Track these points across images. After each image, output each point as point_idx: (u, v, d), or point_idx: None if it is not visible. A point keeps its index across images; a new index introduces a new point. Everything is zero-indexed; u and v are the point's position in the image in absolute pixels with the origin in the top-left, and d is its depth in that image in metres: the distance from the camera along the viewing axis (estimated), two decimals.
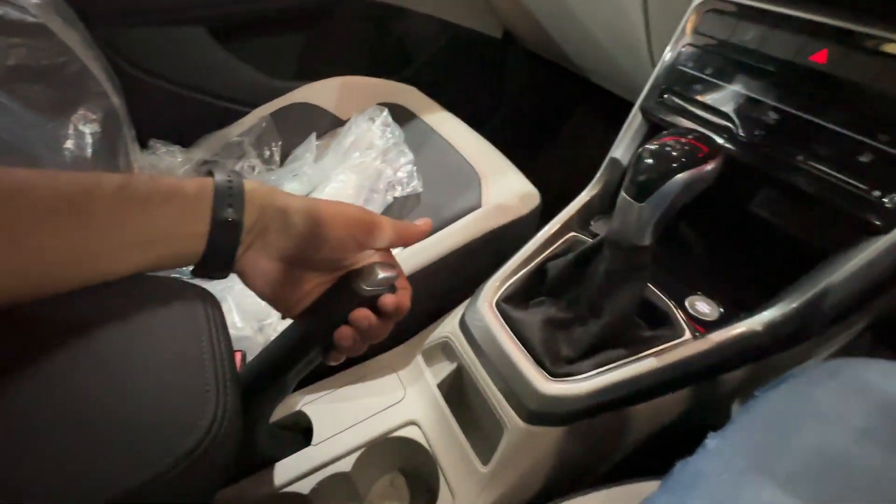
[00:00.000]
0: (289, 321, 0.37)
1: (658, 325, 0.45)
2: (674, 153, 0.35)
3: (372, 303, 0.35)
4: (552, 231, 0.52)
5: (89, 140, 0.65)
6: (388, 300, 0.35)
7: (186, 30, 0.82)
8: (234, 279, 0.53)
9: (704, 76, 0.45)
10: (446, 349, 0.50)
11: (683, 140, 0.36)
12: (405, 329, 0.54)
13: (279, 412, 0.47)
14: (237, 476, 0.41)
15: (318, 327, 0.35)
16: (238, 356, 0.46)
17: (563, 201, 0.55)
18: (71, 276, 0.23)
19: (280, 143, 0.78)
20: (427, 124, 0.78)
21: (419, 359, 0.51)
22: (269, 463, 0.42)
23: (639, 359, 0.41)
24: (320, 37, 0.96)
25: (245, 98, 0.89)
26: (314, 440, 0.44)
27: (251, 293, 0.46)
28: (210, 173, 0.29)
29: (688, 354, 0.40)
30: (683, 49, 0.47)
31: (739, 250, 0.47)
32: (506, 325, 0.45)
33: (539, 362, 0.42)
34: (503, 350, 0.43)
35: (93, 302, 0.23)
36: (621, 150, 0.53)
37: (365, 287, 0.34)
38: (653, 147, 0.36)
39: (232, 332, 0.48)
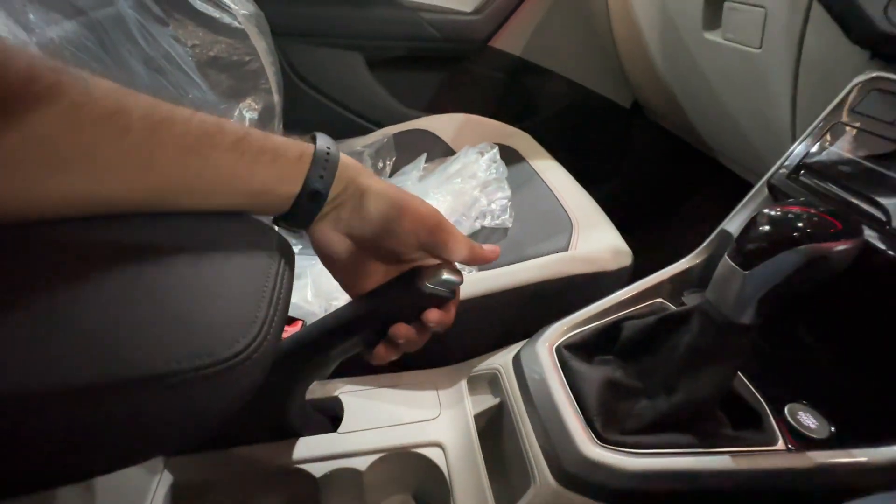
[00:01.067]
0: None
1: (744, 428, 0.37)
2: (797, 223, 0.31)
3: (429, 302, 0.35)
4: (638, 291, 0.48)
5: (247, 124, 0.77)
6: (432, 316, 0.34)
7: (348, 54, 0.96)
8: (317, 259, 0.57)
9: (857, 158, 0.40)
10: (493, 382, 0.47)
11: (812, 211, 0.31)
12: (458, 351, 0.53)
13: (318, 392, 0.48)
14: (258, 438, 0.42)
15: (369, 312, 0.35)
16: (299, 325, 0.48)
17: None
18: (182, 205, 0.26)
19: (394, 158, 0.84)
20: (533, 168, 0.79)
21: (463, 384, 0.49)
22: (292, 436, 0.42)
23: (714, 453, 0.34)
24: (455, 78, 1.05)
25: (377, 118, 0.99)
26: (340, 429, 0.44)
27: (328, 274, 0.49)
28: (313, 138, 0.31)
29: (778, 467, 0.33)
30: (835, 127, 0.42)
31: (873, 364, 0.38)
32: (561, 373, 0.41)
33: (589, 422, 0.38)
34: (552, 397, 0.40)
35: (181, 218, 0.26)
36: (736, 223, 0.48)
37: (427, 284, 0.35)
38: (772, 212, 0.32)
39: (303, 305, 0.51)
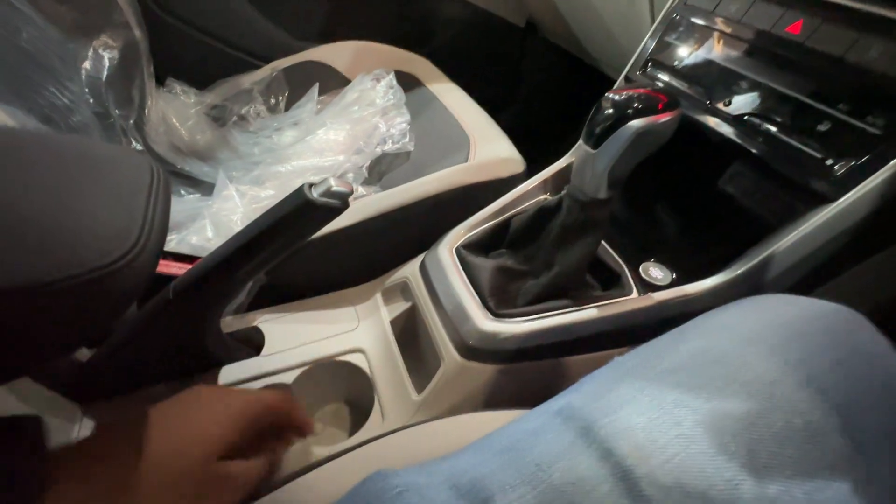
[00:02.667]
0: None
1: (610, 287, 0.45)
2: (632, 102, 0.36)
3: (323, 215, 0.37)
4: (524, 191, 0.53)
5: (106, 64, 0.69)
6: None
7: None
8: (212, 200, 0.55)
9: (687, 46, 0.45)
10: (404, 289, 0.51)
11: (641, 91, 0.36)
12: (371, 268, 0.55)
13: (236, 325, 0.49)
14: (180, 374, 0.43)
15: (265, 230, 0.36)
16: None
17: None
18: None
19: (287, 93, 0.81)
20: (431, 92, 0.79)
21: (378, 296, 0.52)
22: (216, 365, 0.44)
23: (580, 309, 0.41)
24: (345, 3, 0.99)
25: (263, 52, 0.92)
26: (263, 353, 0.46)
27: (226, 212, 0.48)
28: None
29: (627, 309, 0.40)
30: (672, 20, 0.48)
31: (702, 222, 0.47)
32: (460, 268, 0.46)
33: (485, 303, 0.43)
34: (453, 289, 0.44)
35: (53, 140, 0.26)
36: None
37: (317, 196, 0.36)
38: (612, 96, 0.37)
39: (204, 244, 0.51)
